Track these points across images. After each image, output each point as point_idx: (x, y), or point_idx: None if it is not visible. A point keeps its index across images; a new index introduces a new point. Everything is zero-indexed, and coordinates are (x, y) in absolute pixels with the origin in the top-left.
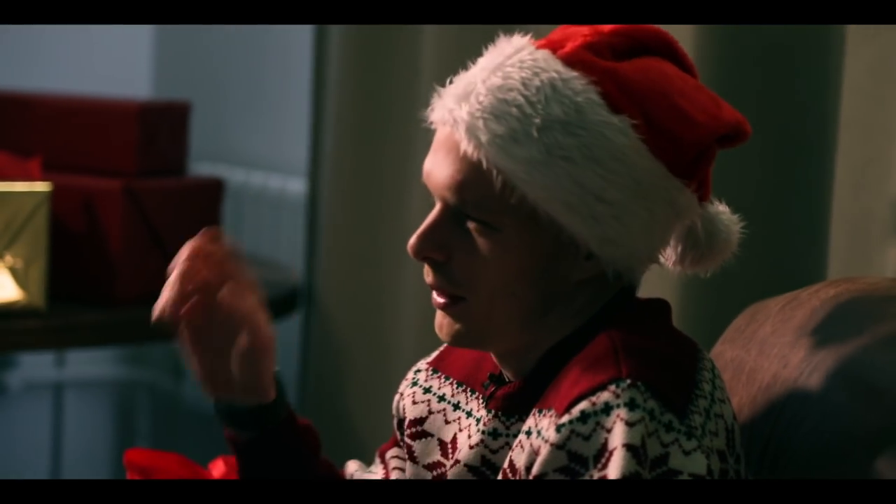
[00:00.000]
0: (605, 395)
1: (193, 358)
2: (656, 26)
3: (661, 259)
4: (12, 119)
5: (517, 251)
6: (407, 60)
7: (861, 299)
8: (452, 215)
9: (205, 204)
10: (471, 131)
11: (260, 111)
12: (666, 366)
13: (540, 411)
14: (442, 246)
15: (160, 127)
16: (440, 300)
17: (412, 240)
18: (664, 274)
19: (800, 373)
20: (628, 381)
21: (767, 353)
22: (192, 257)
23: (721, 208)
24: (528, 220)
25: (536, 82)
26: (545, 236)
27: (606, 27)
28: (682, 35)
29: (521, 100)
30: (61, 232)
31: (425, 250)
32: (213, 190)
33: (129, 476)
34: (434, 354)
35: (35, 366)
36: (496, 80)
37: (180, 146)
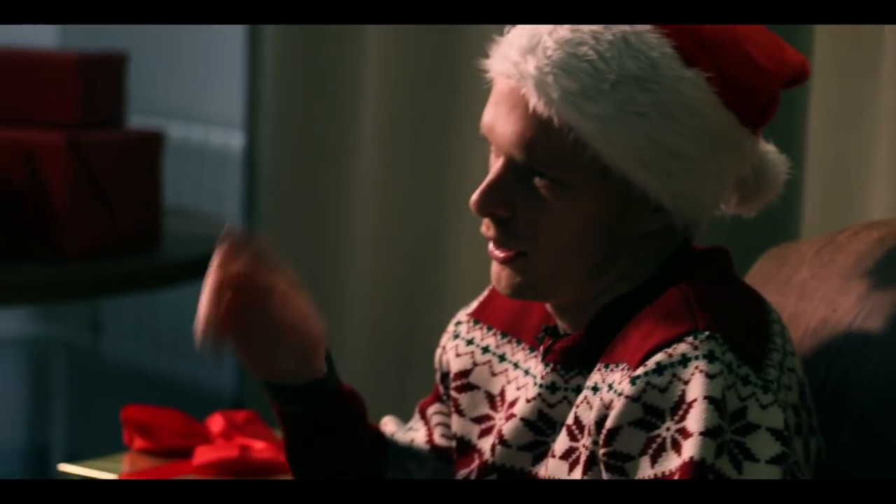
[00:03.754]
0: (682, 347)
1: (241, 356)
2: None
3: None
4: None
5: (586, 208)
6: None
7: None
8: (517, 171)
9: (146, 157)
10: (540, 87)
11: (191, 63)
12: (740, 318)
13: (607, 366)
14: (507, 201)
15: (98, 79)
16: (500, 254)
17: (475, 196)
18: None
19: (854, 316)
20: (706, 333)
21: (810, 298)
22: (224, 264)
23: (769, 148)
24: (598, 177)
25: (608, 36)
26: (615, 192)
27: None
28: None
29: (593, 54)
30: (2, 185)
31: (490, 206)
32: (154, 142)
33: (125, 433)
34: (474, 305)
35: None
36: (564, 34)
37: (118, 98)
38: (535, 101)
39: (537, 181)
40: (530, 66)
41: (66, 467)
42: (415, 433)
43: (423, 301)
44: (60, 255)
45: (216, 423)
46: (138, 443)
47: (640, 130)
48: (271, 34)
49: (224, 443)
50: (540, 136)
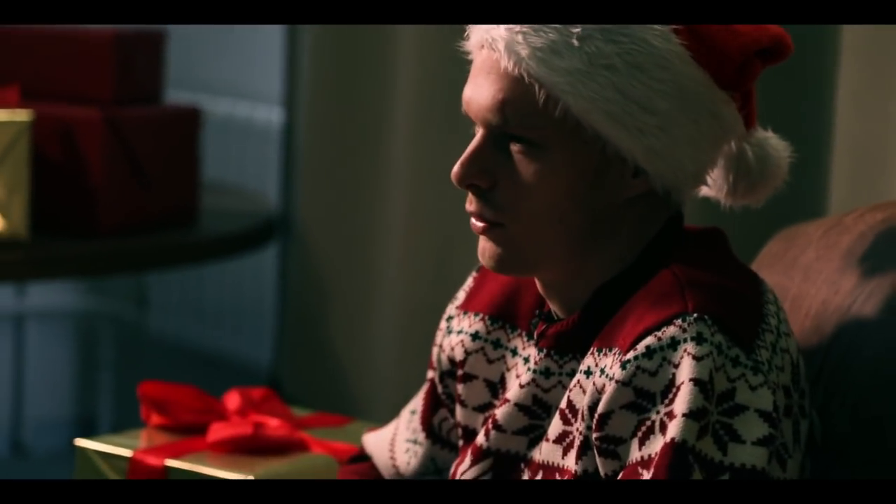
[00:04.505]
0: (671, 330)
1: None
2: None
3: (710, 183)
4: None
5: (563, 169)
6: None
7: None
8: (495, 140)
9: (183, 132)
10: (509, 47)
11: (231, 39)
12: (732, 299)
13: (600, 350)
14: (486, 171)
15: (136, 55)
16: (479, 224)
17: (455, 168)
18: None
19: (853, 299)
20: (695, 315)
21: (813, 280)
22: None
23: (769, 134)
24: (572, 135)
25: None
26: (590, 152)
27: None
28: None
29: None
30: (40, 161)
31: (469, 177)
32: (192, 118)
33: (142, 409)
34: (461, 297)
35: None
36: None
37: (156, 75)
38: (505, 62)
39: (513, 147)
40: (501, 29)
41: (82, 442)
42: (419, 448)
43: (457, 280)
44: (97, 231)
45: (232, 399)
46: (155, 419)
47: (608, 83)
48: None
49: (239, 420)
50: (512, 97)
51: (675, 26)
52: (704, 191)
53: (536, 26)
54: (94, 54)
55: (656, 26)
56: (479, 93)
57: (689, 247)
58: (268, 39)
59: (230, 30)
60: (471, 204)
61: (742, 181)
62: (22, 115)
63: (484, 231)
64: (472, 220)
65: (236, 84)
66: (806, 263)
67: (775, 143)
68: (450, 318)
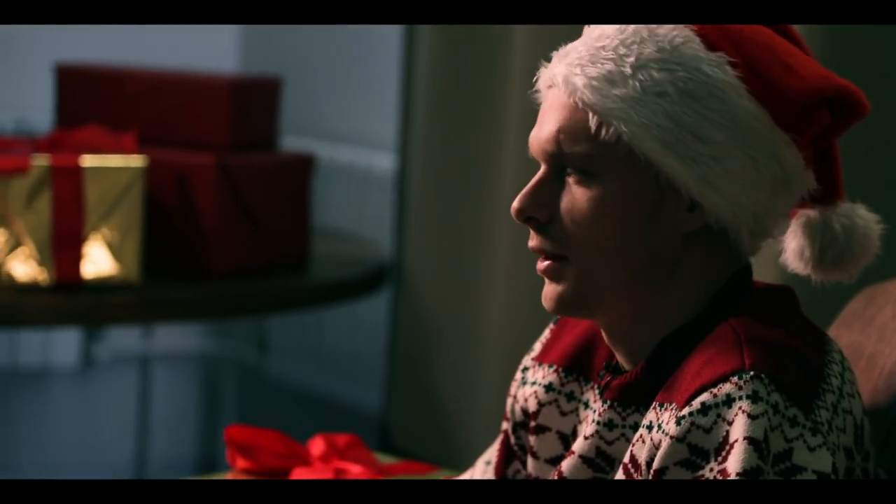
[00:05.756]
0: (727, 387)
1: None
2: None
3: (793, 255)
4: (106, 93)
5: (618, 198)
6: (499, 35)
7: None
8: (553, 174)
9: (296, 179)
10: (567, 79)
11: (348, 86)
12: (792, 358)
13: (661, 405)
14: (544, 204)
15: (252, 102)
16: (542, 264)
17: (515, 202)
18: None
19: None
20: (752, 373)
21: (889, 339)
22: None
23: (857, 205)
24: (626, 164)
25: (632, 27)
26: (644, 181)
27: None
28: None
29: (616, 43)
30: (154, 206)
31: (528, 210)
32: (304, 165)
33: (228, 453)
34: (537, 348)
35: (123, 338)
36: (593, 34)
37: (271, 121)
38: (562, 94)
39: (569, 178)
40: (561, 67)
41: None
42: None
43: None
44: (207, 275)
45: (317, 445)
46: (240, 463)
47: (661, 110)
48: (424, 59)
49: (321, 465)
50: (566, 124)
51: (731, 59)
52: (793, 266)
53: (596, 58)
54: (210, 101)
55: (712, 55)
56: (539, 129)
57: (755, 302)
58: (385, 87)
59: (349, 76)
60: (532, 240)
61: (829, 252)
62: (136, 161)
63: (547, 270)
64: (538, 262)
65: (355, 131)
66: (883, 322)
67: (864, 215)
68: (525, 370)
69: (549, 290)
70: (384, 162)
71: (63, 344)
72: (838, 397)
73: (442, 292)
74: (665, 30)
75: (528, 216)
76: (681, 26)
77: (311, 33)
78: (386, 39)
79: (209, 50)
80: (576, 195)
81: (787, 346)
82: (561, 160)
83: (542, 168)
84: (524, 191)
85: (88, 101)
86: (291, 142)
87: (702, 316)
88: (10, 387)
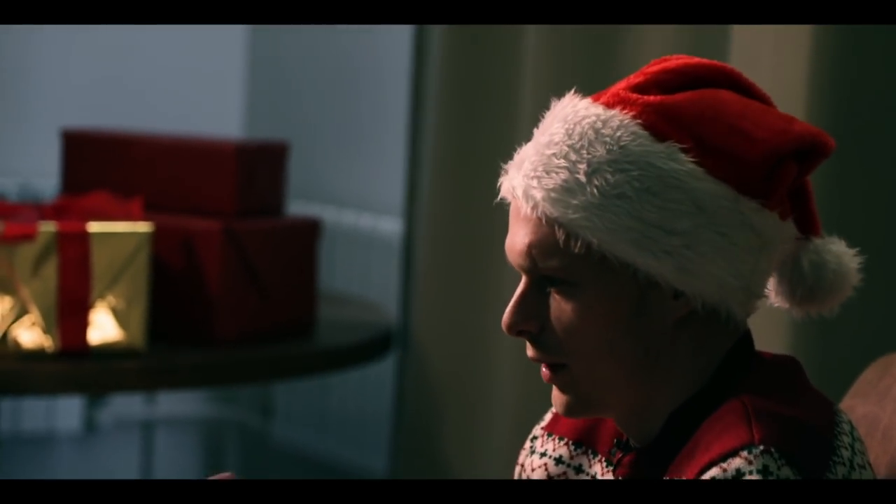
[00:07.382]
0: (736, 462)
1: None
2: (717, 62)
3: (767, 295)
4: (112, 159)
5: (600, 303)
6: (504, 102)
7: None
8: (536, 285)
9: (302, 244)
10: (526, 192)
11: (354, 150)
12: (801, 431)
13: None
14: (532, 317)
15: (258, 167)
16: (546, 372)
17: (504, 317)
18: (786, 321)
19: None
20: (761, 448)
21: None
22: None
23: (832, 240)
24: (601, 269)
25: (578, 129)
26: (623, 281)
27: (655, 67)
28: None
29: (566, 149)
30: (160, 271)
31: (518, 324)
32: (311, 230)
33: None
34: (547, 418)
35: (125, 403)
36: (542, 140)
37: (278, 186)
38: (524, 208)
39: (552, 290)
40: (518, 178)
41: None
42: None
43: None
44: (214, 340)
45: None
46: None
47: (623, 212)
48: (432, 125)
49: None
50: (535, 239)
51: (681, 146)
52: (772, 300)
53: (550, 167)
54: (216, 166)
55: (660, 147)
56: (512, 240)
57: (761, 374)
58: (390, 151)
59: (355, 141)
60: (529, 350)
61: (798, 289)
62: (142, 227)
63: (551, 380)
64: (542, 369)
65: (360, 196)
66: None
67: (837, 250)
68: (534, 439)
69: (557, 397)
70: (390, 226)
71: (66, 409)
72: (849, 469)
73: (449, 356)
74: (609, 129)
75: (518, 330)
76: (624, 118)
77: (317, 97)
78: (392, 103)
79: (214, 114)
80: (561, 305)
81: (796, 418)
82: (537, 272)
83: (524, 280)
84: (510, 306)
85: (94, 166)
86: (297, 206)
87: (705, 389)
88: (13, 452)
